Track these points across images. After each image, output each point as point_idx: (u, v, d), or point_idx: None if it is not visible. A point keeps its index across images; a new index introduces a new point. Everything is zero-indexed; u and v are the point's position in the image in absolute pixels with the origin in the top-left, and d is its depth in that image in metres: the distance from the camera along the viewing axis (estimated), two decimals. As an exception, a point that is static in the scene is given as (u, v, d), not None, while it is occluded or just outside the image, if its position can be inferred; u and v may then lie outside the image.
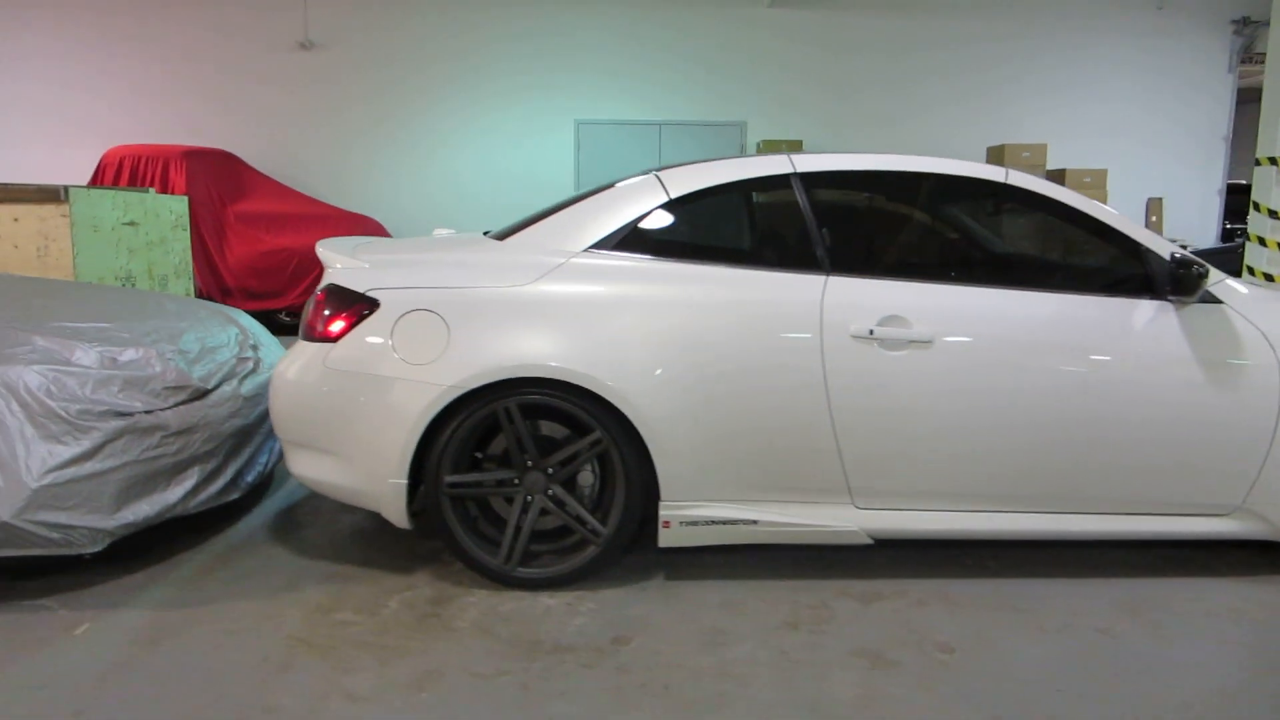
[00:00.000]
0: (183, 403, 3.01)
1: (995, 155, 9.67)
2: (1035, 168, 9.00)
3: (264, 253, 7.36)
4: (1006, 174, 2.98)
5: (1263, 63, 10.97)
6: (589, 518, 2.83)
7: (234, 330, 3.62)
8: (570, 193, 10.00)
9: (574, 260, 2.88)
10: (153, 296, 3.79)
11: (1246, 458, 2.84)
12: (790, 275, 2.86)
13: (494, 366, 2.72)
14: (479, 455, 2.95)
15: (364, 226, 7.99)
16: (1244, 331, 2.84)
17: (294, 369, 2.89)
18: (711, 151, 10.10)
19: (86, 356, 2.85)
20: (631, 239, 2.93)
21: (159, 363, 2.98)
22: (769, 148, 9.68)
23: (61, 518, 2.68)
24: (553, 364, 2.72)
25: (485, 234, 3.44)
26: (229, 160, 8.29)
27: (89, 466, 2.72)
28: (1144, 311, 2.85)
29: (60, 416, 2.68)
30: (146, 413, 2.88)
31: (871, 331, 2.78)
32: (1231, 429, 2.82)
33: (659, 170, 3.07)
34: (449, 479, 2.81)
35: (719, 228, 3.04)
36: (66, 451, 2.68)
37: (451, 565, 3.03)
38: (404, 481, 2.80)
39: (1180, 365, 2.81)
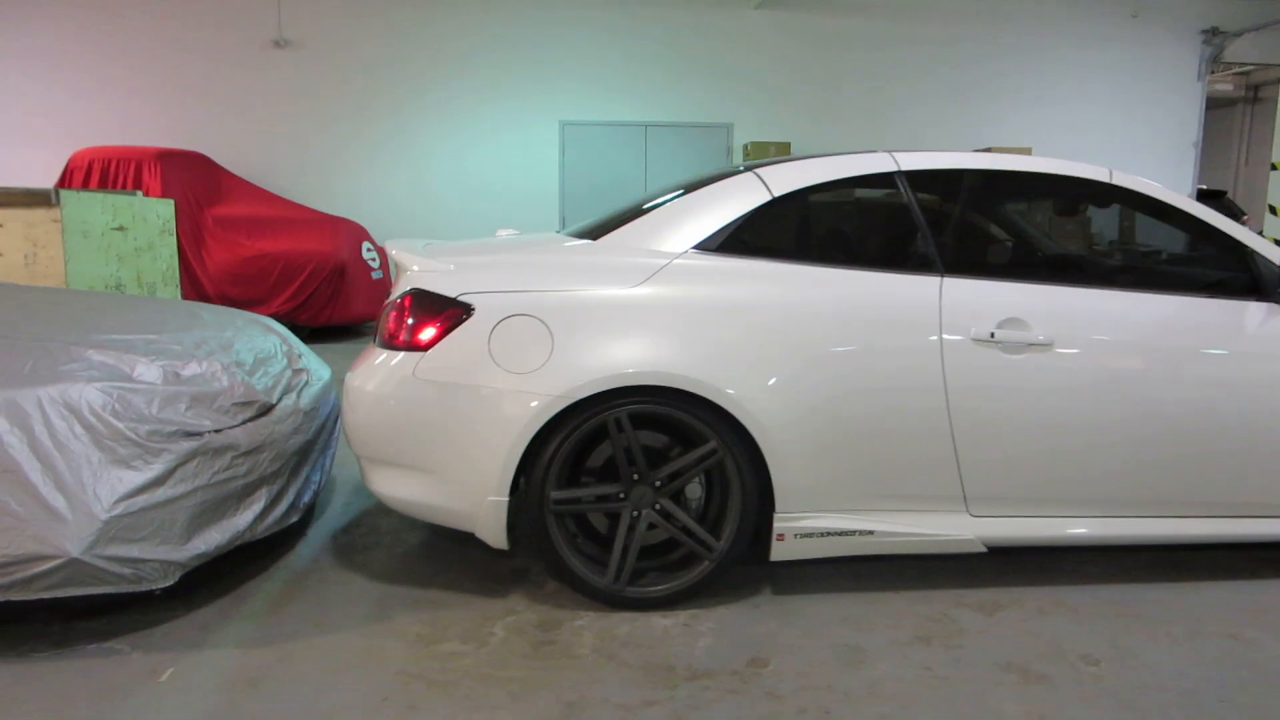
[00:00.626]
0: (250, 419, 2.78)
1: (979, 158, 9.80)
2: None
3: (245, 259, 7.00)
4: (1110, 174, 2.93)
5: (1230, 71, 11.37)
6: (702, 532, 2.69)
7: (275, 339, 3.37)
8: (555, 195, 9.81)
9: (678, 261, 2.74)
10: (184, 305, 3.51)
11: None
12: (904, 277, 2.76)
13: (607, 374, 2.56)
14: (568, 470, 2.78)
15: (346, 230, 7.67)
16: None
17: (376, 380, 2.68)
18: (698, 154, 10.04)
19: (149, 372, 2.59)
20: (735, 239, 2.80)
21: (225, 376, 2.74)
22: (757, 150, 9.64)
23: (133, 551, 2.42)
24: (672, 371, 2.57)
25: (558, 234, 3.28)
26: (203, 162, 7.89)
27: (161, 493, 2.47)
28: (1254, 313, 2.83)
29: (129, 438, 2.43)
30: (216, 431, 2.63)
31: (993, 334, 2.70)
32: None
33: (756, 167, 2.95)
34: (555, 495, 2.63)
35: (826, 227, 2.93)
36: (138, 477, 2.43)
37: (544, 585, 2.85)
38: (505, 499, 2.61)
39: (1288, 363, 2.79)
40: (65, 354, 2.53)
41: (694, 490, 2.81)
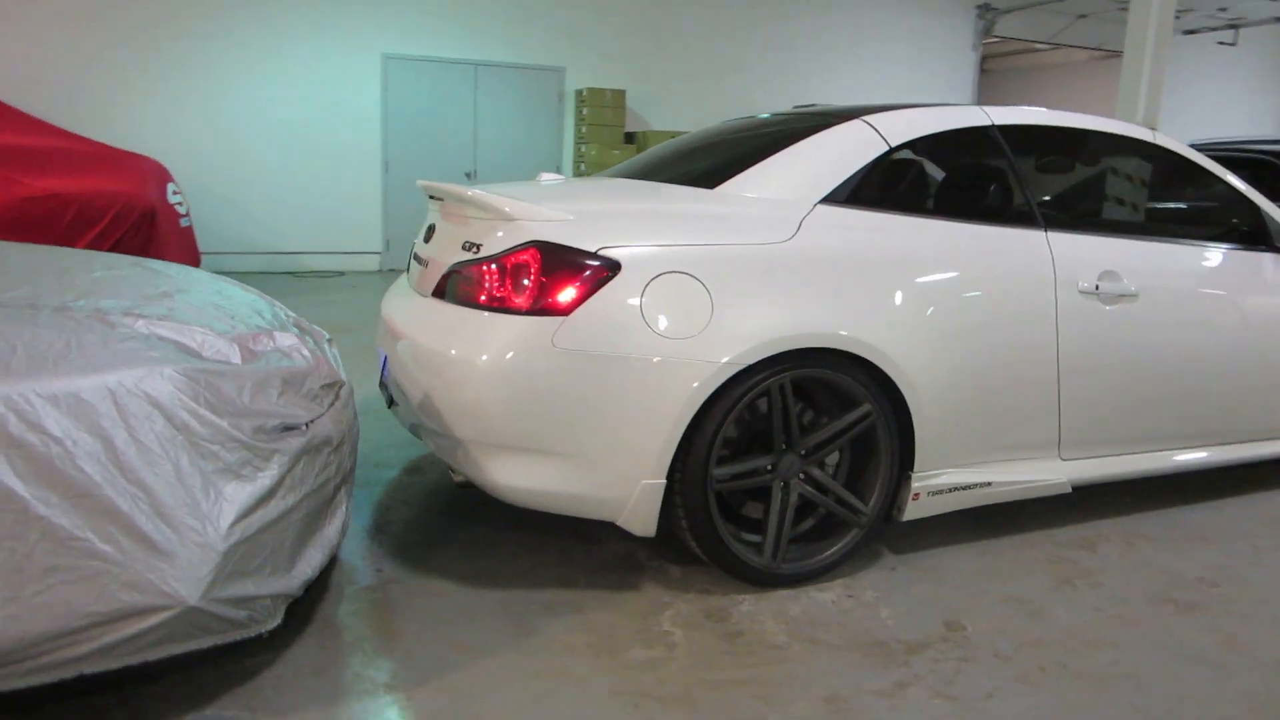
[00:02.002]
0: (333, 404, 2.20)
1: (797, 114, 10.17)
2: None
3: (27, 199, 5.60)
4: (1153, 135, 3.11)
5: (997, 43, 12.59)
6: (853, 498, 2.54)
7: (263, 302, 2.71)
8: (377, 134, 8.80)
9: (818, 212, 2.53)
10: (127, 260, 2.72)
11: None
12: (1017, 230, 2.76)
13: (775, 337, 2.31)
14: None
15: (150, 169, 6.38)
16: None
17: (499, 351, 2.23)
18: (530, 97, 9.46)
19: (223, 347, 1.96)
20: (861, 191, 2.63)
21: (306, 351, 2.14)
22: (593, 96, 9.29)
23: (248, 587, 1.84)
24: (838, 332, 2.38)
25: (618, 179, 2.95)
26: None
27: (274, 507, 1.89)
28: (1268, 262, 3.15)
29: (235, 439, 1.82)
30: (310, 423, 2.06)
31: (1097, 286, 2.78)
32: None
33: (861, 114, 2.78)
34: (717, 473, 2.36)
35: (939, 180, 2.84)
36: (251, 490, 1.83)
37: (665, 571, 2.56)
38: (662, 481, 2.30)
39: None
40: (99, 329, 1.84)
41: (832, 457, 2.65)
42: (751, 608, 2.39)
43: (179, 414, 1.75)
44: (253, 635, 1.89)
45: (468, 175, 9.36)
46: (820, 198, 2.57)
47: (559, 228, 2.32)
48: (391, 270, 9.20)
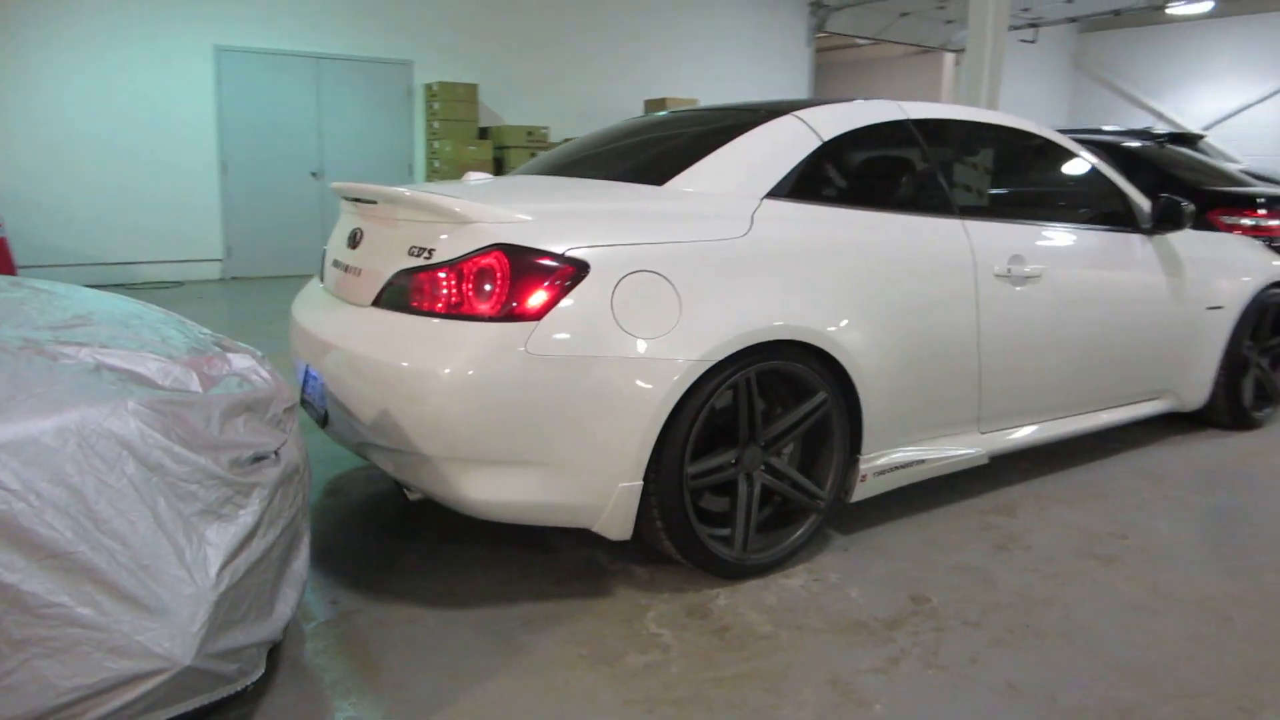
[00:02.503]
0: (293, 427, 2.03)
1: (655, 107, 10.26)
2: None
3: None
4: (1038, 127, 3.36)
5: (826, 38, 13.13)
6: (811, 485, 2.60)
7: (174, 319, 2.45)
8: (212, 133, 8.12)
9: (765, 208, 2.57)
10: (29, 282, 2.40)
11: (1178, 354, 3.67)
12: (939, 220, 2.90)
13: (743, 332, 2.33)
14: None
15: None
16: (1179, 252, 3.63)
17: (471, 361, 2.13)
18: (377, 92, 9.00)
19: (178, 374, 1.76)
20: (800, 185, 2.69)
21: (264, 372, 1.96)
22: (444, 90, 8.98)
23: (237, 637, 1.67)
24: (798, 324, 2.43)
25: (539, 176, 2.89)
26: None
27: (257, 546, 1.73)
28: (1135, 241, 3.48)
29: (213, 475, 1.65)
30: (278, 450, 1.89)
31: (1009, 270, 2.98)
32: (1174, 330, 3.61)
33: (796, 111, 2.84)
34: (691, 470, 2.36)
35: (868, 173, 2.94)
36: (234, 531, 1.67)
37: (631, 573, 2.54)
38: (640, 483, 2.27)
39: (1156, 281, 3.50)
40: (40, 363, 1.62)
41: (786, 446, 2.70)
42: (728, 601, 2.41)
43: (151, 453, 1.57)
44: (240, 690, 1.73)
45: (314, 175, 8.87)
46: (765, 192, 2.62)
47: (522, 229, 2.24)
48: (235, 279, 8.60)
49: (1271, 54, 13.50)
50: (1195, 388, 3.79)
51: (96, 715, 1.46)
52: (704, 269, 2.36)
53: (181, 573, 1.55)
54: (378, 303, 2.43)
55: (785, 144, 2.74)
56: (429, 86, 9.21)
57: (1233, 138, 12.83)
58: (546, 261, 2.20)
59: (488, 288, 2.20)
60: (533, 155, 9.46)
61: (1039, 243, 3.12)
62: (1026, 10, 12.51)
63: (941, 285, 2.83)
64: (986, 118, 3.26)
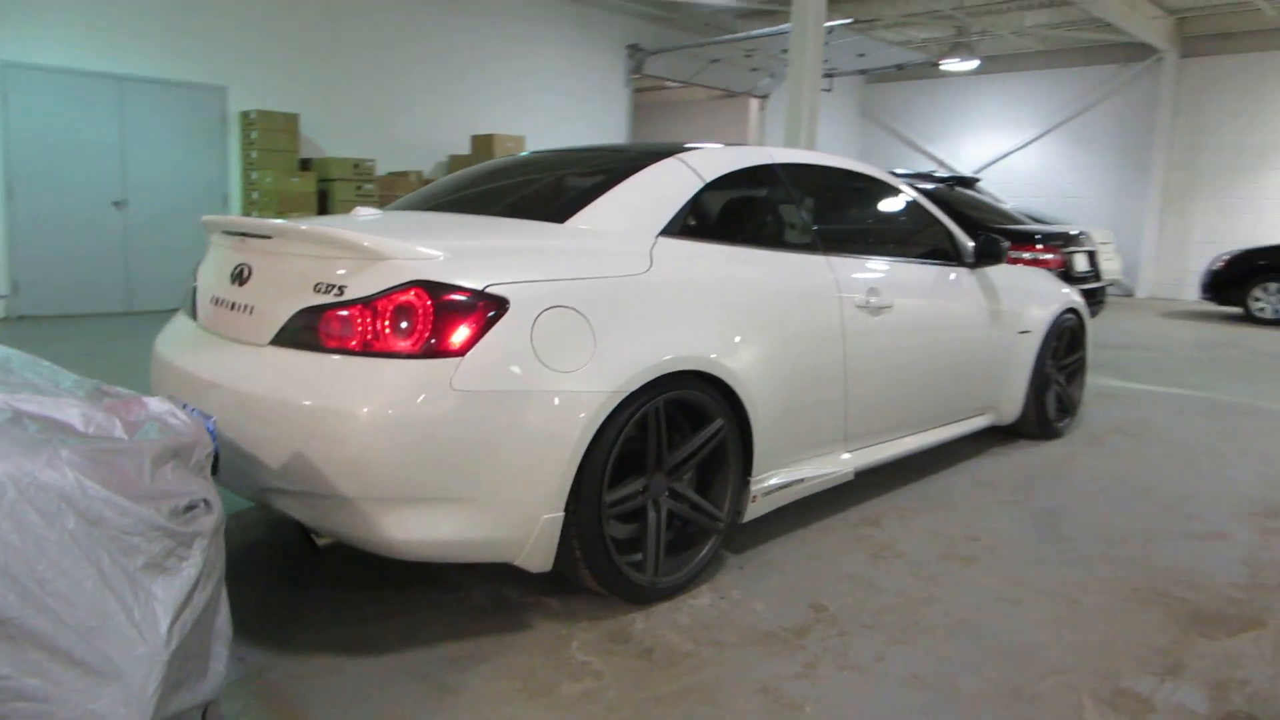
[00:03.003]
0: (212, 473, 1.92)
1: (483, 143, 10.19)
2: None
3: None
4: (883, 173, 3.72)
5: (644, 81, 13.57)
6: (711, 507, 2.73)
7: (43, 361, 2.26)
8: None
9: (660, 244, 2.70)
10: None
11: (997, 374, 4.14)
12: (808, 256, 3.15)
13: (652, 364, 2.44)
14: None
15: None
16: (995, 283, 4.10)
17: (394, 401, 2.11)
18: (188, 118, 8.36)
19: (102, 420, 1.64)
20: (688, 223, 2.85)
21: (183, 417, 1.84)
22: (263, 119, 8.51)
23: (184, 699, 1.57)
24: (699, 354, 2.57)
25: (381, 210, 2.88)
26: None
27: (198, 599, 1.63)
28: (959, 274, 3.90)
29: (155, 525, 1.55)
30: (207, 499, 1.78)
31: (867, 302, 3.26)
32: (994, 353, 4.07)
33: (677, 154, 3.00)
34: (609, 498, 2.42)
35: (744, 212, 3.13)
36: (180, 583, 1.57)
37: (544, 604, 2.56)
38: (562, 514, 2.32)
39: (979, 310, 3.94)
40: (-52, 411, 1.47)
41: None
42: (645, 624, 2.48)
43: (91, 505, 1.46)
44: (180, 754, 1.61)
45: (116, 204, 8.17)
46: (658, 230, 2.75)
47: (439, 265, 2.24)
48: (24, 318, 7.74)
49: (1027, 108, 15.36)
50: (1011, 403, 4.28)
51: (45, 797, 1.33)
52: (614, 304, 2.45)
53: (132, 633, 1.45)
54: (279, 341, 2.34)
55: (671, 185, 2.89)
56: (246, 114, 8.75)
57: (998, 181, 14.43)
58: (467, 298, 2.21)
59: (407, 325, 2.18)
60: (359, 188, 9.20)
61: (888, 277, 3.44)
62: (826, 61, 13.59)
63: (814, 316, 3.07)
64: (838, 163, 3.57)
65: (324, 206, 9.06)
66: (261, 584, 2.66)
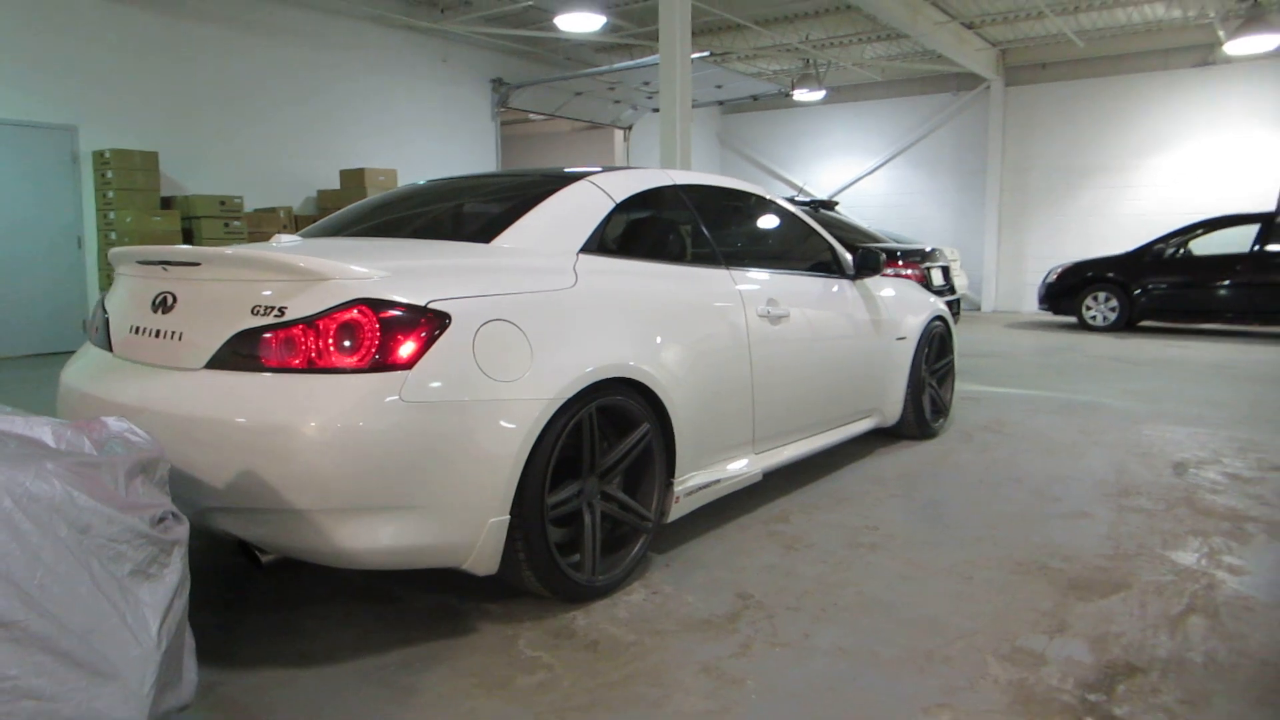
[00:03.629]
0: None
1: (353, 177, 10.03)
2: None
3: None
4: (771, 193, 4.00)
5: (510, 114, 13.71)
6: (640, 508, 2.88)
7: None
8: None
9: (582, 260, 2.85)
10: None
11: (879, 378, 4.48)
12: (713, 270, 3.37)
13: (585, 372, 2.59)
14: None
15: None
16: (874, 292, 4.46)
17: (346, 414, 2.17)
18: (37, 158, 7.87)
19: (69, 436, 1.65)
20: (603, 241, 3.02)
21: (142, 434, 1.84)
22: (118, 158, 8.11)
23: (169, 700, 1.59)
24: (630, 363, 2.73)
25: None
26: None
27: (178, 606, 1.66)
28: (842, 285, 4.23)
29: (139, 532, 1.58)
30: (175, 512, 1.80)
31: (768, 311, 3.51)
32: (876, 357, 4.42)
33: (588, 177, 3.17)
34: (550, 500, 2.53)
35: (653, 229, 3.31)
36: (164, 590, 1.60)
37: (484, 610, 2.63)
38: (507, 517, 2.42)
39: (862, 318, 4.28)
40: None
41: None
42: (586, 620, 2.60)
43: (80, 515, 1.49)
44: (164, 763, 1.63)
45: (-42, 247, 7.64)
46: (579, 248, 2.91)
47: (380, 284, 2.32)
48: None
49: (873, 135, 16.42)
50: (893, 405, 4.64)
51: (52, 801, 1.34)
52: (547, 317, 2.59)
53: (126, 635, 1.47)
54: (215, 365, 2.35)
55: (586, 205, 3.06)
56: (100, 154, 8.35)
57: (852, 204, 15.35)
58: (411, 314, 2.30)
59: (352, 342, 2.25)
60: (226, 225, 8.93)
61: (783, 288, 3.71)
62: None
63: (722, 325, 3.28)
64: (731, 184, 3.84)
65: (190, 244, 8.74)
66: (200, 608, 2.61)
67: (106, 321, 2.77)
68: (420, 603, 2.69)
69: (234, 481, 2.21)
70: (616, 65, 12.51)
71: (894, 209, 15.99)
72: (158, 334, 2.52)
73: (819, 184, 16.85)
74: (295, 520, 2.20)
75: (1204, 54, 13.42)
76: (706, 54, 11.44)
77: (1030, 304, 14.54)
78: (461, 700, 2.13)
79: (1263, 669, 2.31)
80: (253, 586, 2.83)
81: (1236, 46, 12.11)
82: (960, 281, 11.78)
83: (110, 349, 2.72)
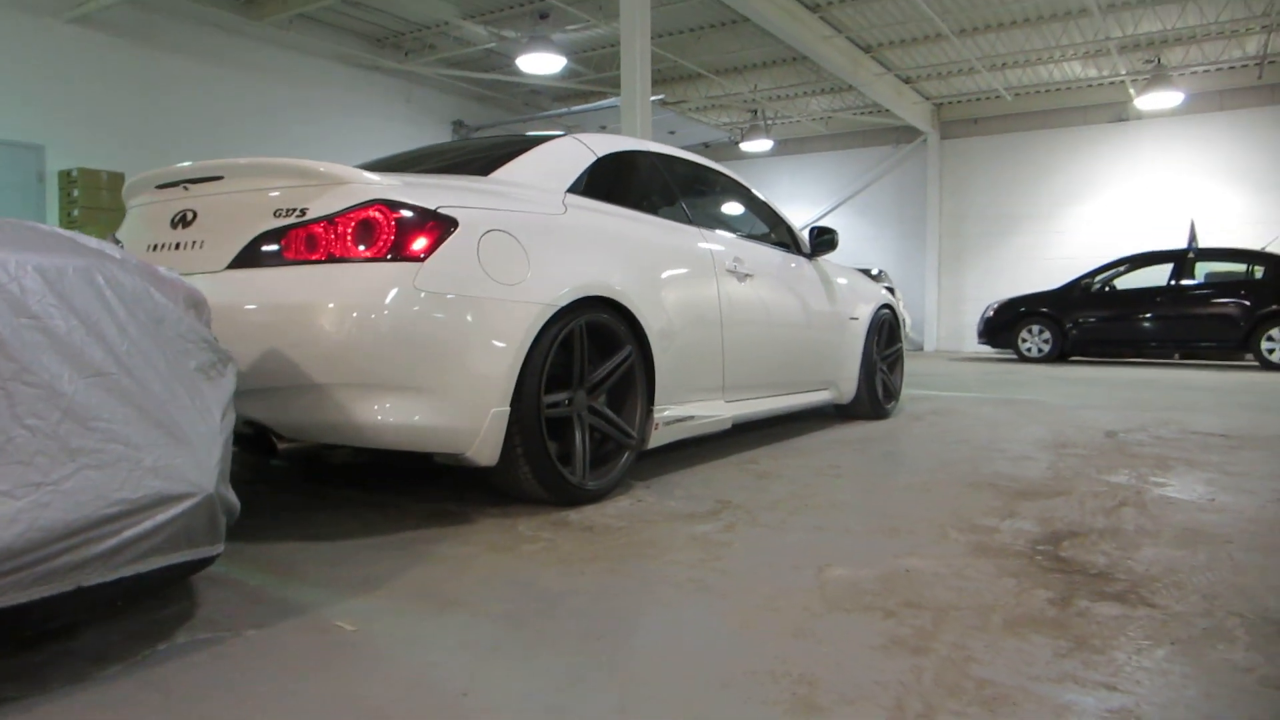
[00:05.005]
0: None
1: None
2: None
3: None
4: (739, 175, 4.33)
5: None
6: (625, 425, 3.09)
7: None
8: None
9: (569, 198, 3.11)
10: None
11: (834, 354, 4.79)
12: (683, 225, 3.66)
13: (576, 285, 2.83)
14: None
15: None
16: (830, 274, 4.79)
17: (365, 293, 2.37)
18: (2, 175, 7.97)
19: (134, 260, 1.82)
20: (587, 185, 3.28)
21: (188, 283, 2.02)
22: (85, 177, 8.21)
23: (226, 493, 1.75)
24: (615, 286, 2.98)
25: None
26: None
27: (229, 420, 1.82)
28: (800, 261, 4.55)
29: (202, 337, 1.77)
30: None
31: (734, 268, 3.80)
32: (831, 333, 4.73)
33: (571, 133, 3.45)
34: (546, 400, 2.73)
35: (631, 183, 3.59)
36: (220, 392, 1.78)
37: (483, 509, 2.80)
38: (508, 409, 2.62)
39: (819, 292, 4.59)
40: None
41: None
42: (578, 516, 2.78)
43: (155, 306, 1.68)
44: (213, 556, 1.77)
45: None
46: (566, 188, 3.17)
47: (396, 189, 2.54)
48: None
49: (819, 184, 17.18)
50: (847, 382, 4.93)
51: (130, 535, 1.50)
52: (540, 234, 2.83)
53: (194, 414, 1.65)
54: (237, 264, 2.54)
55: (572, 155, 3.34)
56: (67, 173, 8.45)
57: (800, 255, 15.95)
58: (423, 215, 2.52)
59: (369, 237, 2.46)
60: (190, 249, 9.00)
61: (748, 253, 4.01)
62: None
63: (694, 270, 3.56)
64: (702, 161, 4.16)
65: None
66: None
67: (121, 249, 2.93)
68: (420, 508, 2.85)
69: (258, 364, 2.37)
70: (574, 108, 13.00)
71: (840, 254, 16.41)
72: (178, 246, 2.69)
73: (767, 232, 17.47)
74: (315, 396, 2.37)
75: (1119, 110, 14.44)
76: (660, 98, 11.98)
77: (971, 343, 15.16)
78: (471, 560, 2.30)
79: (1182, 532, 2.60)
80: (256, 501, 2.95)
81: (1146, 103, 13.12)
82: (905, 318, 12.31)
83: (125, 271, 2.87)
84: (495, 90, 13.72)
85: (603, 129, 13.80)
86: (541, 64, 10.69)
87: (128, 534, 1.49)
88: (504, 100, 14.19)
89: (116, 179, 8.57)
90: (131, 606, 1.86)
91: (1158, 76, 12.64)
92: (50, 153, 8.47)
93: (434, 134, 12.91)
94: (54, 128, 8.48)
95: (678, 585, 2.10)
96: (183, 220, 2.74)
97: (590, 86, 13.17)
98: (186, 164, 2.76)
